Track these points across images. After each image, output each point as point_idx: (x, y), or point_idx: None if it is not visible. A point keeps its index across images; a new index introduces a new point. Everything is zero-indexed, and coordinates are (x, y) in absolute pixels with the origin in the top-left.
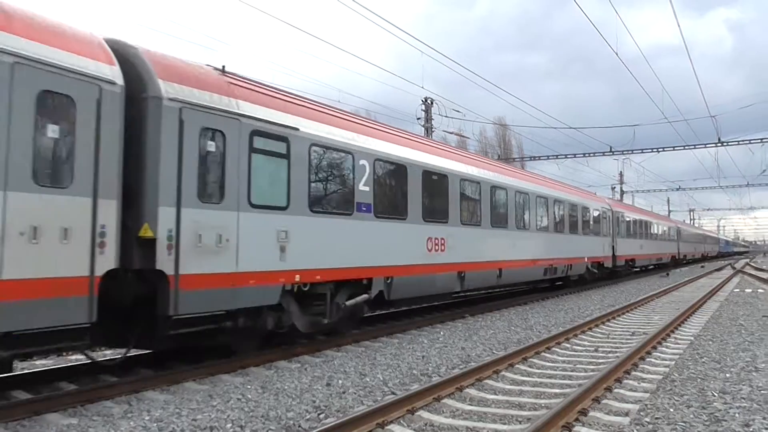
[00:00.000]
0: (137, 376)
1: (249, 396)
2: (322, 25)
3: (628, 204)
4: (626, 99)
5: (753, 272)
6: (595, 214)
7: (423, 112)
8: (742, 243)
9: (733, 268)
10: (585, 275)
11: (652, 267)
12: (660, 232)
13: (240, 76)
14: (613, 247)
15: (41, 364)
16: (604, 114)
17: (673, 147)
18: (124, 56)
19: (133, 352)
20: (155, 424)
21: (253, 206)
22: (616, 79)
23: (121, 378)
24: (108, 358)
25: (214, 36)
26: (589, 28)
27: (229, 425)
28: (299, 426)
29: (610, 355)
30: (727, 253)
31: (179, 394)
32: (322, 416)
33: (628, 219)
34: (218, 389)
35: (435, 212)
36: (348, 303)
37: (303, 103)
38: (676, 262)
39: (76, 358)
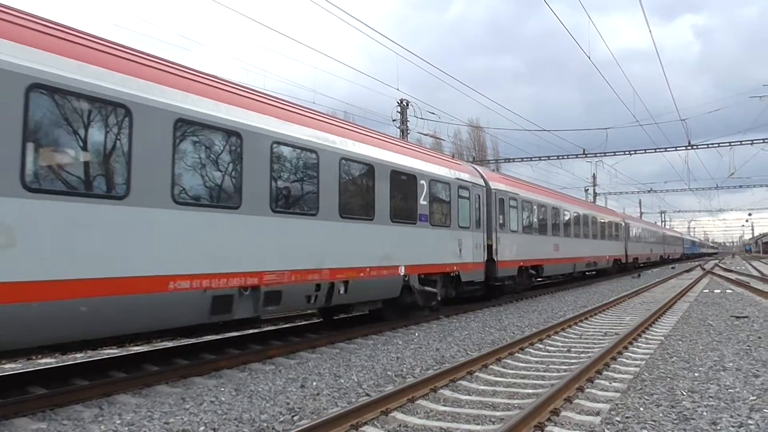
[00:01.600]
0: (108, 379)
1: (222, 398)
2: (294, 25)
3: (528, 183)
4: (598, 103)
5: (722, 273)
6: (437, 188)
7: (399, 114)
8: (710, 244)
9: (703, 269)
10: (404, 298)
11: (591, 272)
12: (595, 228)
13: None
14: (489, 247)
15: (9, 367)
16: (577, 117)
17: (645, 150)
18: None
19: (105, 355)
20: (126, 428)
21: None
22: (587, 83)
23: (92, 381)
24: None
25: (189, 36)
26: (560, 33)
27: (201, 428)
28: (273, 428)
29: (582, 355)
30: (693, 255)
31: (151, 397)
32: (296, 418)
33: (527, 204)
34: (191, 392)
35: None
36: None
37: None
38: (623, 267)
39: (46, 362)
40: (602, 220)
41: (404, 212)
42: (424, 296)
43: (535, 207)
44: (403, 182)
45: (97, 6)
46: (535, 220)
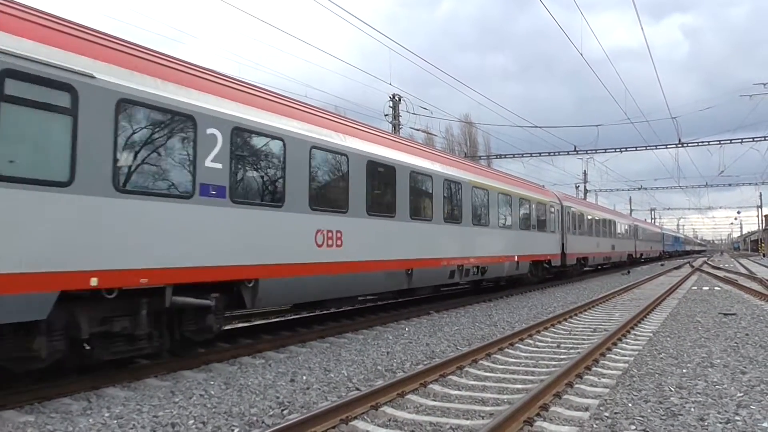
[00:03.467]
0: (97, 372)
1: (212, 392)
2: (286, 18)
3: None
4: (589, 100)
5: (710, 270)
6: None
7: (391, 109)
8: (698, 241)
9: (692, 266)
10: None
11: (486, 285)
12: (480, 207)
13: None
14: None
15: None
16: (568, 115)
17: (636, 147)
18: None
19: None
20: (115, 421)
21: None
22: (577, 81)
23: (80, 374)
24: None
25: (182, 29)
26: (550, 31)
27: (191, 422)
28: (262, 422)
29: (571, 351)
30: (677, 254)
31: (140, 390)
32: (285, 412)
33: (162, 118)
34: (180, 385)
35: None
36: None
37: None
38: (559, 272)
39: None
40: (500, 194)
41: None
42: None
43: (216, 133)
44: None
45: None
46: (228, 168)
